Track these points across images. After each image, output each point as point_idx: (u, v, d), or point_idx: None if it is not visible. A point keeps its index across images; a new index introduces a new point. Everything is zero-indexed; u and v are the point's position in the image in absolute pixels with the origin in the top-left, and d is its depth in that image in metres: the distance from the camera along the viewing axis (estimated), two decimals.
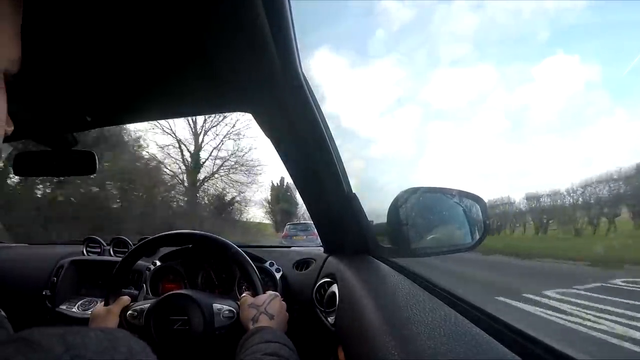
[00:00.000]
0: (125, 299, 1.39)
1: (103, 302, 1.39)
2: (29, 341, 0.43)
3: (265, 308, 1.25)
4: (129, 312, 1.36)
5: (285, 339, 1.10)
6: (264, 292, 1.35)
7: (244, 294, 1.37)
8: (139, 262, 1.53)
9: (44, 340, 0.43)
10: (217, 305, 1.33)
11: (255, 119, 1.21)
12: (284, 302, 1.33)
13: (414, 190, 1.46)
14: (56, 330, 0.46)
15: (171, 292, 1.36)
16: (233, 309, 1.33)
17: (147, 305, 1.35)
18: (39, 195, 12.93)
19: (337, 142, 1.31)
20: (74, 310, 1.98)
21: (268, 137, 1.28)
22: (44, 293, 2.05)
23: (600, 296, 5.99)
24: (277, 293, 1.35)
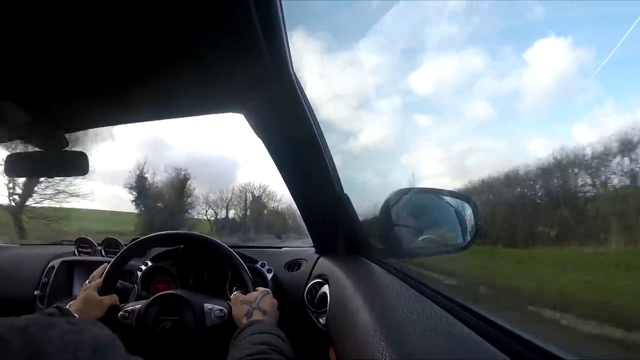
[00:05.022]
0: (115, 297, 1.38)
1: (98, 289, 1.37)
2: None
3: (258, 304, 1.26)
4: (120, 313, 1.35)
5: (277, 330, 1.10)
6: (255, 290, 1.36)
7: (235, 292, 1.37)
8: (131, 262, 1.53)
9: (2, 332, 0.42)
10: (208, 305, 1.33)
11: (247, 120, 1.21)
12: (275, 300, 1.33)
13: (406, 191, 1.47)
14: (20, 321, 0.46)
15: (162, 293, 1.36)
16: (224, 309, 1.33)
17: (138, 306, 1.35)
18: None
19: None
20: None
21: (259, 138, 1.28)
22: (35, 293, 2.04)
23: None
24: (268, 290, 1.35)
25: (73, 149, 1.44)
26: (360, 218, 1.54)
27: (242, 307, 1.26)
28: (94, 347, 0.49)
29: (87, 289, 1.37)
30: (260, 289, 1.35)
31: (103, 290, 1.38)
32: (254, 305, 1.25)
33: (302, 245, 2.27)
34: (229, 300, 1.37)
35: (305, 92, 1.13)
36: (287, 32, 0.86)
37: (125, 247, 1.50)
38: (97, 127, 1.45)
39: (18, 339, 0.42)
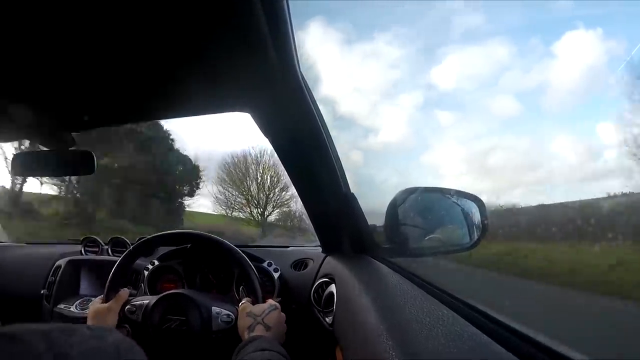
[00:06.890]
0: (124, 293, 1.38)
1: (102, 299, 1.38)
2: (12, 337, 0.42)
3: (263, 318, 1.25)
4: (127, 306, 1.36)
5: (279, 348, 1.10)
6: (265, 300, 1.35)
7: (243, 300, 1.36)
8: (137, 261, 1.53)
9: (27, 336, 0.42)
10: (216, 309, 1.33)
11: (253, 119, 1.20)
12: (283, 314, 1.32)
13: (412, 190, 1.46)
14: (42, 327, 0.45)
15: (171, 291, 1.36)
16: (231, 314, 1.33)
17: (146, 302, 1.35)
18: None
19: (332, 133, 1.31)
20: (72, 309, 1.97)
21: (266, 137, 1.28)
22: (42, 292, 2.04)
23: None
24: (277, 304, 1.34)
25: (79, 148, 1.44)
26: (367, 217, 1.54)
27: (246, 319, 1.25)
28: (115, 353, 0.49)
29: (91, 305, 1.38)
30: (270, 301, 1.35)
31: (109, 290, 1.38)
32: (259, 319, 1.24)
33: (309, 245, 2.27)
34: (236, 301, 1.37)
35: (312, 91, 1.12)
36: (294, 31, 0.86)
37: (132, 246, 1.50)
38: (103, 126, 1.45)
39: (42, 344, 0.42)
